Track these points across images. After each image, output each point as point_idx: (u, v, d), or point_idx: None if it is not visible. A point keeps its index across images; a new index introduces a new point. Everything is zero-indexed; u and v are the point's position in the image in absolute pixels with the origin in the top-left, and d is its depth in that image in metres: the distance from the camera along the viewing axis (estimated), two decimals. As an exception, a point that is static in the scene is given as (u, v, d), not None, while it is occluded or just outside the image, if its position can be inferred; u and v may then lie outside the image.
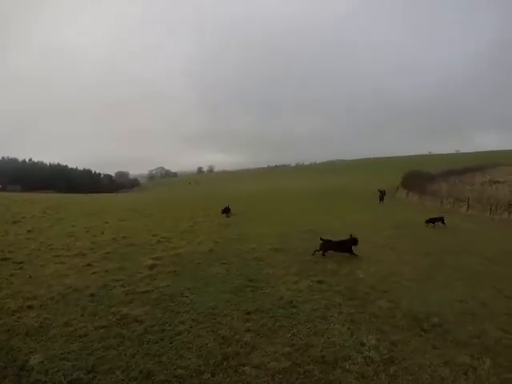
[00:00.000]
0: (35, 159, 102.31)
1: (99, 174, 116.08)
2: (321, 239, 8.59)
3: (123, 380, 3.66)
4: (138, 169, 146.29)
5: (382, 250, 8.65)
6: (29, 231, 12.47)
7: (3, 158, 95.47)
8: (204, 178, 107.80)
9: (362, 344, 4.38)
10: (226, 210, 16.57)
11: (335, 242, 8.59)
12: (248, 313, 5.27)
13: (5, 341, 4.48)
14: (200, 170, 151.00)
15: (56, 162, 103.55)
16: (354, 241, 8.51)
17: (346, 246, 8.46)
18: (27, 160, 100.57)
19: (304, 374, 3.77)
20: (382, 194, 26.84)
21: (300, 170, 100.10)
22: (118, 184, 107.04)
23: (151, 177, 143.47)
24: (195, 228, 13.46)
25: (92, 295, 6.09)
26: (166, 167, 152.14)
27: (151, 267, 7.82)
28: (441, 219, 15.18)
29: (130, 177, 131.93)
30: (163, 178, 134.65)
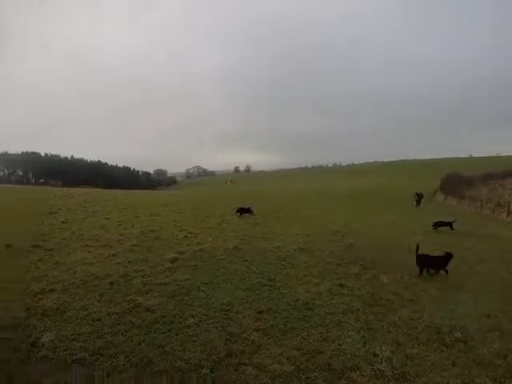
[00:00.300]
0: (76, 156, 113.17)
1: (138, 171, 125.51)
2: (417, 255, 8.17)
3: (124, 365, 3.91)
4: (176, 167, 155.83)
5: (411, 254, 8.25)
6: (63, 222, 13.72)
7: (46, 154, 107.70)
8: (240, 177, 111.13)
9: (375, 355, 4.26)
10: (243, 210, 16.62)
11: (432, 257, 8.26)
12: (260, 312, 5.38)
13: (23, 318, 5.02)
14: (237, 169, 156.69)
15: (96, 160, 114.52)
16: (449, 256, 8.16)
17: (442, 262, 8.10)
18: (69, 157, 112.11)
19: (306, 380, 3.74)
20: (419, 197, 26.89)
21: (337, 170, 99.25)
22: (156, 181, 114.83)
23: (188, 175, 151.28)
24: (223, 225, 13.87)
25: (111, 283, 6.62)
26: (204, 166, 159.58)
27: (173, 260, 8.23)
28: (449, 224, 14.56)
29: (168, 175, 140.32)
30: (200, 177, 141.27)
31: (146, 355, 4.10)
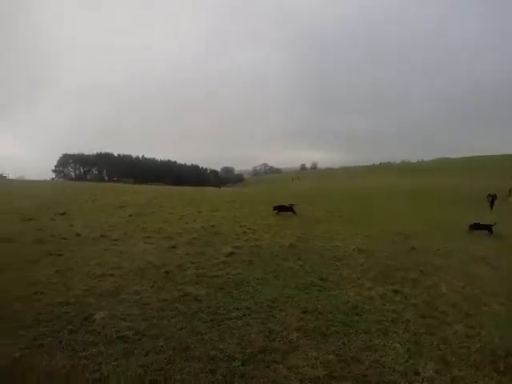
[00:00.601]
0: (147, 156, 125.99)
1: (206, 169, 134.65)
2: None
3: (161, 347, 4.32)
4: (243, 165, 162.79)
5: (476, 262, 7.79)
6: (130, 215, 15.36)
7: (118, 154, 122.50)
8: (307, 174, 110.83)
9: (416, 373, 3.99)
10: (282, 208, 16.31)
11: None
12: (305, 312, 5.42)
13: (82, 297, 5.87)
14: (303, 166, 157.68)
15: (166, 159, 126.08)
16: None
17: None
18: (140, 157, 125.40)
19: (335, 388, 3.64)
20: (493, 199, 25.39)
21: (405, 167, 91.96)
22: (223, 179, 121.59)
23: (255, 173, 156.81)
24: (283, 222, 14.03)
25: (166, 272, 7.29)
26: (270, 164, 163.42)
27: (229, 255, 8.66)
28: (487, 227, 13.96)
29: (236, 172, 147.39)
30: (267, 174, 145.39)
31: (184, 341, 4.46)
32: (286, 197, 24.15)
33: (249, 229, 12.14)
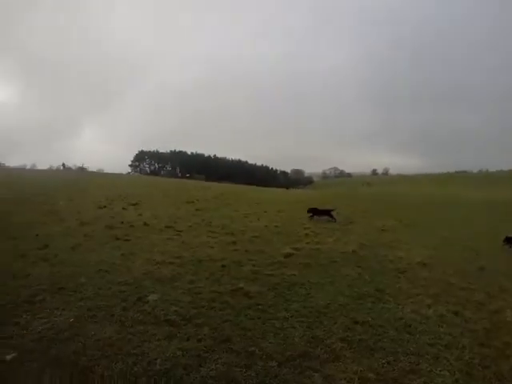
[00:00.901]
0: (219, 155, 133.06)
1: (276, 170, 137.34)
2: None
3: (205, 335, 4.54)
4: (313, 168, 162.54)
5: None
6: (197, 209, 16.31)
7: (192, 153, 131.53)
8: (378, 180, 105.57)
9: None
10: (317, 212, 15.45)
11: None
12: (355, 322, 5.22)
13: (140, 279, 6.44)
14: (374, 171, 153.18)
15: (237, 158, 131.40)
16: None
17: None
18: (212, 156, 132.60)
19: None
20: None
21: (479, 177, 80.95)
22: (293, 180, 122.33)
23: (325, 176, 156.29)
24: (348, 227, 13.58)
25: (223, 266, 7.59)
26: (341, 167, 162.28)
27: (287, 255, 8.68)
28: None
29: (305, 175, 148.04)
30: (337, 178, 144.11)
31: (227, 333, 4.61)
32: (354, 202, 23.47)
33: (312, 231, 12.01)
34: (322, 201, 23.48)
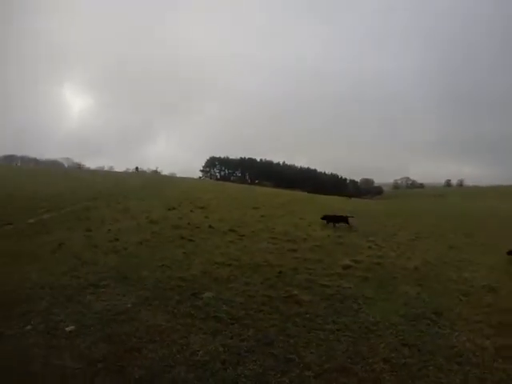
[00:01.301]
0: (288, 162, 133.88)
1: (345, 179, 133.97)
2: None
3: (249, 336, 4.71)
4: (383, 177, 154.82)
5: None
6: (262, 216, 16.63)
7: (261, 159, 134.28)
8: (451, 192, 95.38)
9: None
10: (333, 219, 15.40)
11: None
12: (404, 344, 4.89)
13: (198, 277, 6.92)
14: (448, 182, 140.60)
15: (306, 166, 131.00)
16: None
17: None
18: (281, 162, 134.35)
19: None
20: None
21: None
22: (362, 190, 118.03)
23: (396, 186, 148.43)
24: (414, 243, 12.65)
25: (280, 272, 7.72)
26: (412, 177, 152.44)
27: (346, 267, 8.46)
28: None
29: (375, 184, 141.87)
30: (408, 189, 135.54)
31: (271, 337, 4.71)
32: (422, 215, 21.95)
33: (376, 244, 11.48)
34: (393, 213, 22.39)
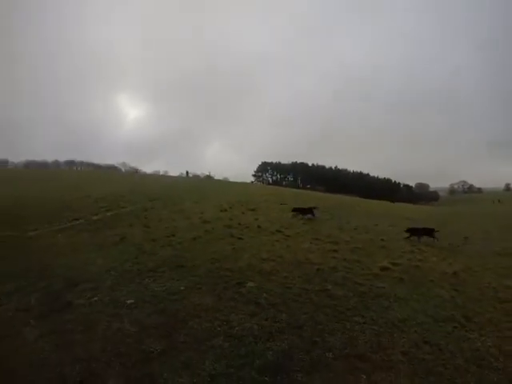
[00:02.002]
0: (340, 167, 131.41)
1: (399, 183, 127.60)
2: None
3: (281, 319, 5.30)
4: (439, 182, 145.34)
5: None
6: (308, 218, 16.88)
7: (313, 164, 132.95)
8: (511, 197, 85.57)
9: None
10: (301, 211, 17.08)
11: None
12: (426, 342, 5.03)
13: (242, 269, 7.63)
14: (508, 187, 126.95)
15: (359, 171, 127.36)
16: None
17: None
18: (333, 167, 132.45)
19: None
20: None
21: None
22: (416, 195, 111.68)
23: (452, 191, 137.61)
24: (460, 248, 12.33)
25: (318, 269, 8.17)
26: (470, 181, 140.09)
27: (383, 269, 8.62)
28: None
29: (430, 189, 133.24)
30: (466, 194, 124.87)
31: (301, 322, 5.27)
32: (477, 221, 20.68)
33: (418, 249, 11.37)
34: (445, 219, 21.42)
